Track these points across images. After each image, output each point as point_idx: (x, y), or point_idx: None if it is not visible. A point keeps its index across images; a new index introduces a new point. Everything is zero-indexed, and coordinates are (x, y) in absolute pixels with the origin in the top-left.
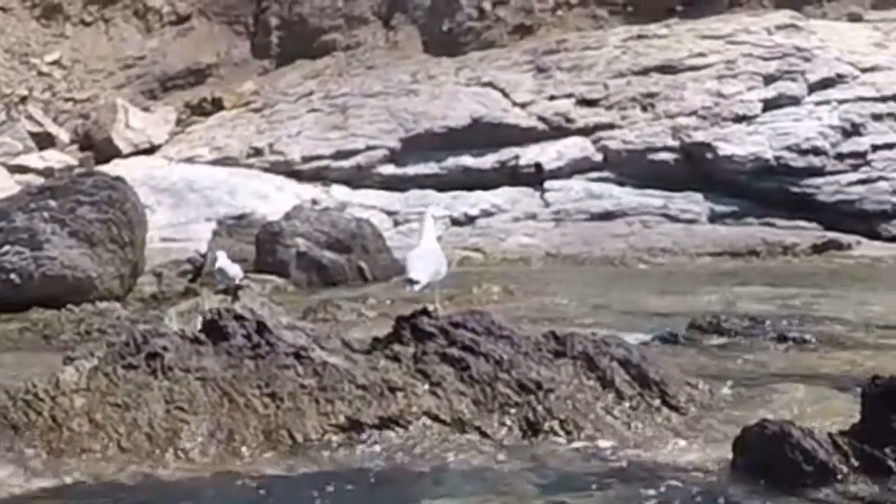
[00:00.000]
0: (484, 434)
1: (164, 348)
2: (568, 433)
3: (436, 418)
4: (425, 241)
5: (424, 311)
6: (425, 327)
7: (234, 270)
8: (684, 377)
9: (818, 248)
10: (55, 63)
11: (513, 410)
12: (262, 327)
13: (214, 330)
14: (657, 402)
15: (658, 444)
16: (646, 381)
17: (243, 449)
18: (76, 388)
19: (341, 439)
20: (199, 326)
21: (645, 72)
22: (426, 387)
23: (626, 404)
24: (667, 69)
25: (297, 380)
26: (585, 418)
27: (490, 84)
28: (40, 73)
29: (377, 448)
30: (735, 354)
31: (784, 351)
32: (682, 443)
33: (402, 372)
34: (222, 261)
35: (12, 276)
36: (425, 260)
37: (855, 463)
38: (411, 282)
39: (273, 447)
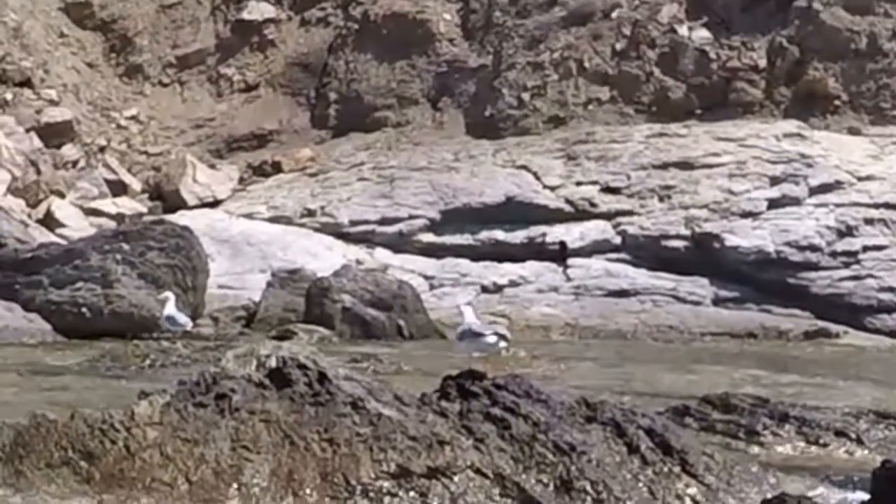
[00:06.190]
0: (522, 490)
1: (233, 390)
2: (598, 493)
3: (478, 472)
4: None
5: (471, 373)
6: (470, 387)
7: (183, 318)
8: (701, 447)
9: (809, 335)
10: (133, 118)
11: (548, 469)
12: (322, 377)
13: (279, 376)
14: (678, 468)
15: None
16: (668, 448)
17: (302, 489)
18: (150, 422)
19: (392, 486)
20: (256, 369)
21: (664, 166)
22: (470, 442)
23: (650, 470)
24: (684, 165)
25: (354, 427)
26: (614, 480)
27: (524, 167)
28: (119, 126)
29: (425, 497)
30: (744, 431)
31: (785, 431)
32: None
33: (448, 426)
34: (170, 309)
35: (83, 309)
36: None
37: None
38: (504, 338)
39: (329, 489)
